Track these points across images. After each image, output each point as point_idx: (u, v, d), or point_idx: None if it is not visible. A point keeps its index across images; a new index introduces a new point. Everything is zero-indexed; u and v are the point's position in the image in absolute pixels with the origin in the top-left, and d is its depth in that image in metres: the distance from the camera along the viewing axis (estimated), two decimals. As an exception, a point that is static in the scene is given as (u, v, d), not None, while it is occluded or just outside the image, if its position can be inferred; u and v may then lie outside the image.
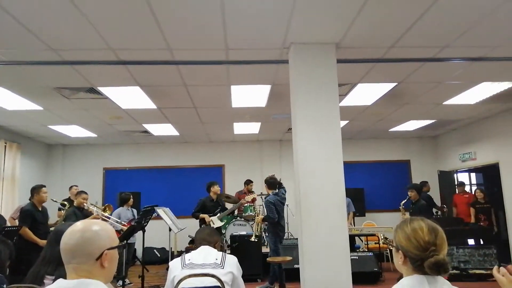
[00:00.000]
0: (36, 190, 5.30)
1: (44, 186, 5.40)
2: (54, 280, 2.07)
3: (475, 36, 3.99)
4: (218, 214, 6.67)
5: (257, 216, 6.01)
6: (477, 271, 6.47)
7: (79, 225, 1.38)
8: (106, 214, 6.32)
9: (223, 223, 6.75)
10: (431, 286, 1.39)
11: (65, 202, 6.33)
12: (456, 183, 8.93)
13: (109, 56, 4.21)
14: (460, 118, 8.00)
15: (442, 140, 9.93)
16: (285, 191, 6.10)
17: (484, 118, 8.05)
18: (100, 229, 1.38)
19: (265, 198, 6.20)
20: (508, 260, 7.37)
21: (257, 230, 6.08)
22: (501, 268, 1.63)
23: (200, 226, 6.56)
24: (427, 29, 3.80)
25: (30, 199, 5.75)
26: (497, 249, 6.67)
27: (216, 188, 6.80)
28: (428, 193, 8.35)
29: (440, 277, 1.43)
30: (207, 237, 2.80)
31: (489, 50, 4.37)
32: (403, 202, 6.77)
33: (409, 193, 6.52)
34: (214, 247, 2.77)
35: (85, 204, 6.09)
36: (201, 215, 6.55)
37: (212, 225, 6.53)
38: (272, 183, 6.03)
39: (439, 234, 1.45)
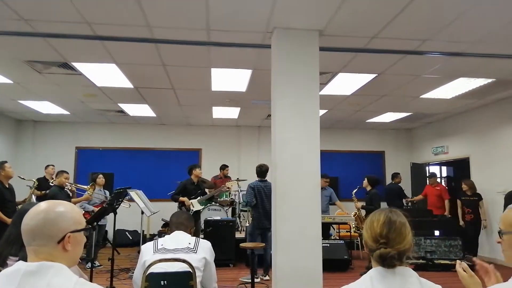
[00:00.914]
0: (0, 167, 5.14)
1: (6, 162, 5.25)
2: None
3: (455, 31, 4.03)
4: (199, 198, 6.63)
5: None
6: (443, 261, 6.70)
7: (42, 205, 1.30)
8: (90, 191, 6.21)
9: (202, 207, 6.71)
10: (400, 277, 1.40)
11: (34, 180, 6.12)
12: (427, 174, 9.13)
13: (85, 30, 4.04)
14: (436, 112, 8.17)
15: (417, 133, 10.15)
16: None
17: (458, 113, 8.26)
18: (64, 210, 1.30)
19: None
20: (475, 251, 7.65)
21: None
22: (463, 262, 1.67)
23: (180, 209, 6.50)
24: (409, 21, 3.81)
25: None
26: (463, 240, 6.91)
27: (197, 172, 6.74)
28: (399, 184, 8.56)
29: (408, 268, 1.45)
30: (185, 221, 2.77)
31: (468, 46, 4.44)
32: (355, 191, 7.01)
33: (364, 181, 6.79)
34: (189, 232, 2.74)
35: (67, 183, 5.98)
36: (181, 198, 6.50)
37: (192, 208, 6.49)
38: (258, 171, 6.21)
39: (393, 228, 1.44)
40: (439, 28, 3.97)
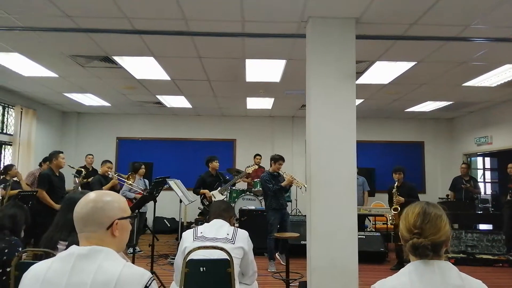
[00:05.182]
0: (54, 155, 5.53)
1: (62, 152, 5.64)
2: (67, 246, 2.14)
3: (500, 15, 3.82)
4: (219, 188, 6.71)
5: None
6: (484, 256, 6.46)
7: (92, 195, 1.43)
8: (129, 181, 6.50)
9: (224, 197, 6.78)
10: (439, 271, 1.38)
11: (82, 169, 6.57)
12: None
13: (124, 25, 4.17)
14: (479, 101, 7.80)
15: (458, 122, 9.74)
16: None
17: (503, 102, 7.84)
18: (111, 199, 1.42)
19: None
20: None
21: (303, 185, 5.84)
22: None
23: (202, 201, 6.61)
24: (451, 6, 3.65)
25: (40, 164, 5.89)
26: (506, 235, 6.62)
27: (214, 164, 6.77)
28: (460, 175, 8.28)
29: (448, 262, 1.42)
30: (225, 211, 2.85)
31: (516, 31, 4.20)
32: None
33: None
34: (229, 222, 2.80)
35: (109, 172, 6.29)
36: (202, 191, 6.60)
37: (213, 199, 6.57)
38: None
39: (428, 219, 1.44)
40: (483, 13, 3.77)
